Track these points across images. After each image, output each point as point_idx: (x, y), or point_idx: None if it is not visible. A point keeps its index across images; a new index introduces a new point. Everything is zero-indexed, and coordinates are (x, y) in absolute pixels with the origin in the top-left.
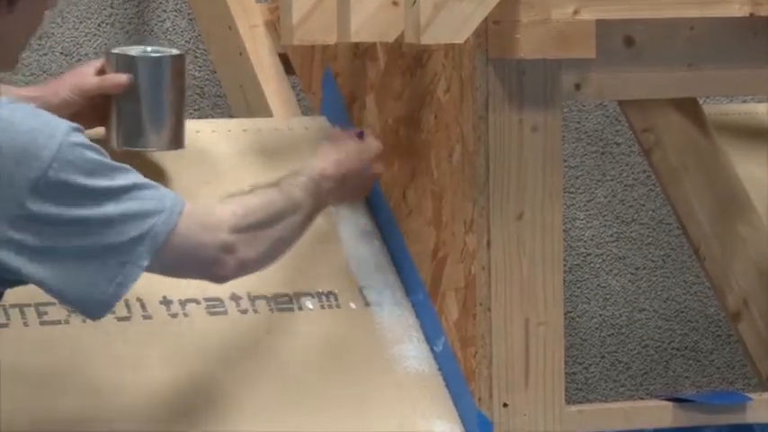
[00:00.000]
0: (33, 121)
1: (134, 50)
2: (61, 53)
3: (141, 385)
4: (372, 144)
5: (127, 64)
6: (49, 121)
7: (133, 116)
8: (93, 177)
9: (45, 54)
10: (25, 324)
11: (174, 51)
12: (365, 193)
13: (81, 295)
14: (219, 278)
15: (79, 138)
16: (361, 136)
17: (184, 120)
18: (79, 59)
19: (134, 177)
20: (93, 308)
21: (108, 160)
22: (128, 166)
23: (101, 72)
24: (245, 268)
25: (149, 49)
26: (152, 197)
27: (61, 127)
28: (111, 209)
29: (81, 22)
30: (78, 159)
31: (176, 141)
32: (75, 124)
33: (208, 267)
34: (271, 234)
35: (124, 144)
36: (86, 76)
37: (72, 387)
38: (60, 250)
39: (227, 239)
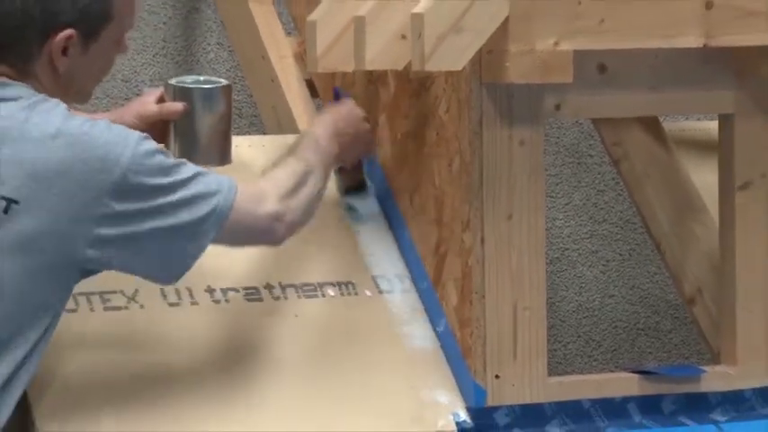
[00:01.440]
0: (109, 133)
1: (189, 81)
2: (122, 80)
3: (190, 361)
4: (355, 108)
5: (183, 93)
6: (122, 132)
7: (188, 138)
8: (164, 175)
9: (108, 81)
10: (91, 310)
11: (223, 82)
12: (366, 147)
13: (161, 271)
14: (274, 242)
15: (149, 144)
16: (337, 97)
17: (231, 139)
18: (137, 86)
19: (194, 168)
20: (171, 278)
21: (172, 159)
22: (186, 161)
23: (160, 100)
24: (293, 229)
25: (202, 79)
26: (211, 181)
27: (133, 137)
28: (180, 194)
29: (138, 53)
30: (149, 162)
31: (224, 158)
32: (143, 134)
33: (264, 235)
34: (305, 194)
35: None
36: (148, 104)
37: (131, 364)
38: (144, 237)
39: (277, 208)
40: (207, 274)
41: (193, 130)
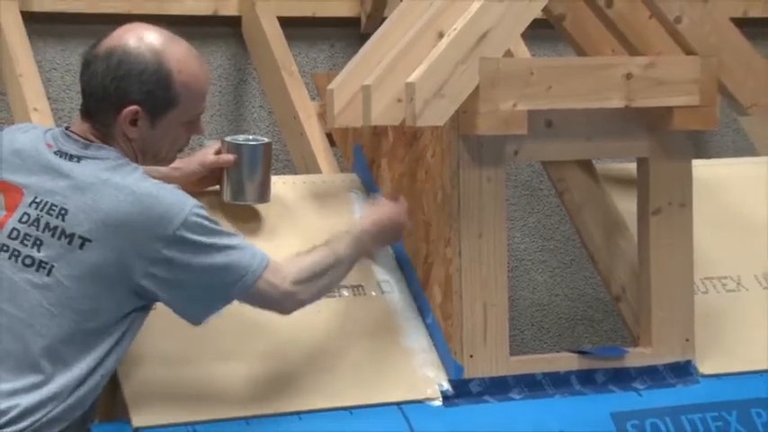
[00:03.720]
0: (173, 196)
1: (240, 139)
2: None
3: (237, 348)
4: (403, 205)
5: (235, 148)
6: (182, 198)
7: (238, 182)
8: (207, 236)
9: None
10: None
11: (265, 140)
12: (396, 240)
13: (191, 314)
14: (282, 313)
15: (201, 211)
16: (396, 199)
17: (270, 182)
18: (199, 138)
19: (236, 240)
20: (197, 321)
21: (218, 227)
22: (232, 231)
23: (218, 152)
24: (300, 306)
25: (250, 137)
26: (246, 254)
27: (189, 203)
28: (218, 259)
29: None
30: (198, 225)
31: (265, 197)
32: (199, 203)
33: (275, 306)
34: (320, 282)
35: (231, 199)
36: (208, 155)
37: (195, 353)
38: (183, 283)
39: (289, 289)
40: None
41: (241, 176)
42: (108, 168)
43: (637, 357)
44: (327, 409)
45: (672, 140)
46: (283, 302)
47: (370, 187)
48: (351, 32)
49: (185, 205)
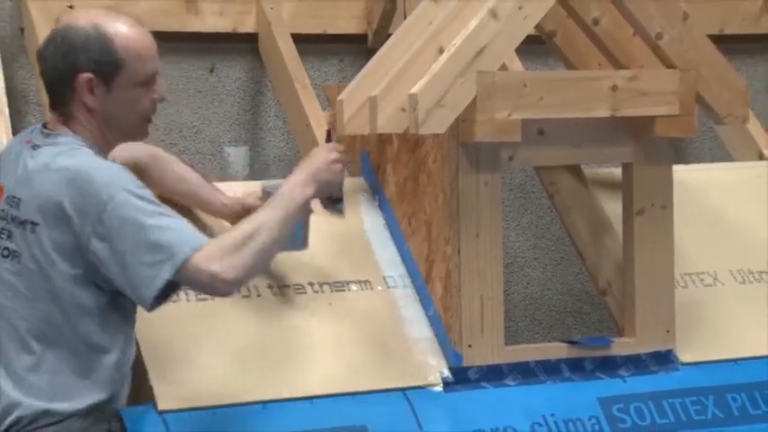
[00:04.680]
0: (108, 174)
1: (277, 184)
2: (209, 141)
3: (257, 336)
4: (331, 145)
5: (267, 195)
6: (120, 175)
7: None
8: (139, 214)
9: (200, 143)
10: (187, 300)
11: None
12: (335, 175)
13: (137, 295)
14: (219, 295)
15: (136, 190)
16: (329, 138)
17: (307, 226)
18: (219, 145)
19: (171, 221)
20: (144, 303)
21: (154, 206)
22: (169, 212)
23: (262, 197)
24: (236, 284)
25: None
26: (180, 235)
27: (124, 181)
28: (151, 236)
29: (221, 123)
30: (131, 203)
31: (298, 242)
32: (137, 182)
33: (208, 289)
34: (244, 253)
35: None
36: (249, 197)
37: (217, 338)
38: (119, 260)
39: (216, 269)
40: (266, 275)
41: None
42: (59, 153)
43: (622, 347)
44: (337, 394)
45: (654, 147)
46: (213, 284)
47: (376, 190)
48: (358, 48)
49: (120, 182)
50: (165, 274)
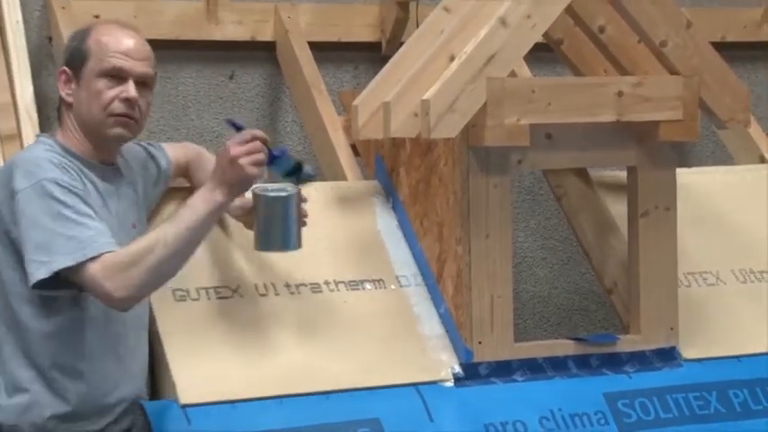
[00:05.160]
0: (33, 165)
1: (270, 188)
2: None
3: (276, 330)
4: (231, 144)
5: (254, 197)
6: (43, 168)
7: (258, 230)
8: (46, 206)
9: (220, 146)
10: (208, 299)
11: (287, 191)
12: (242, 172)
13: (29, 271)
14: (114, 307)
15: (49, 185)
16: (239, 129)
17: (294, 229)
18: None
19: (79, 223)
20: (30, 278)
21: (66, 205)
22: (83, 215)
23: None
24: (128, 301)
25: (286, 187)
26: (80, 238)
27: (44, 174)
28: (54, 227)
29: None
30: (42, 195)
31: (283, 244)
32: (56, 179)
33: (103, 299)
34: (144, 265)
35: (255, 247)
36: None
37: (236, 332)
38: (23, 243)
39: (107, 288)
40: (284, 274)
41: (259, 225)
42: (24, 149)
43: (627, 344)
44: (351, 389)
45: (658, 151)
46: (106, 300)
47: (389, 192)
48: (372, 55)
49: (41, 175)
50: (40, 275)
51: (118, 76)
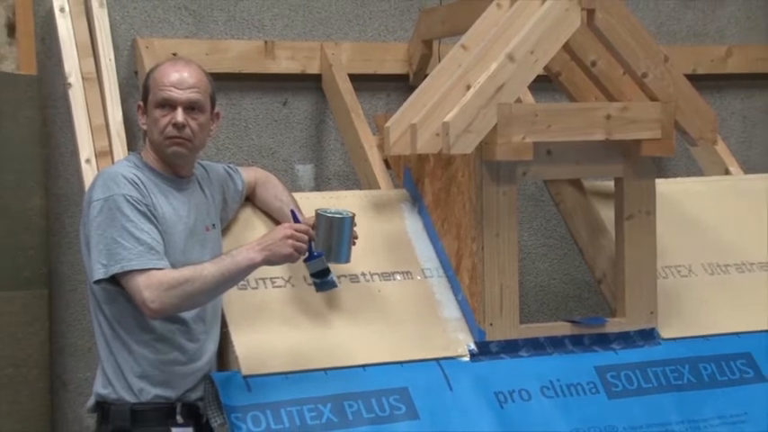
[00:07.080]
0: (110, 180)
1: (329, 211)
2: (283, 160)
3: (322, 314)
4: (290, 226)
5: (317, 218)
6: (119, 185)
7: (328, 248)
8: (112, 218)
9: (275, 161)
10: (265, 287)
11: (350, 213)
12: (285, 246)
13: (92, 269)
14: (147, 315)
15: (119, 200)
16: (294, 217)
17: (351, 247)
18: (291, 164)
19: (135, 237)
20: (91, 275)
21: (132, 218)
22: (145, 230)
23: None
24: (158, 313)
25: (341, 210)
26: (132, 250)
27: (120, 190)
28: (110, 234)
29: (292, 145)
30: (114, 207)
31: (348, 259)
32: (131, 194)
33: (141, 306)
34: (183, 291)
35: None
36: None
37: (289, 316)
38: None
39: (148, 297)
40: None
41: (330, 239)
42: (113, 163)
43: (614, 325)
44: (384, 363)
45: (640, 164)
46: (141, 306)
47: (416, 199)
48: (402, 85)
49: (116, 189)
50: (99, 275)
51: (168, 104)
